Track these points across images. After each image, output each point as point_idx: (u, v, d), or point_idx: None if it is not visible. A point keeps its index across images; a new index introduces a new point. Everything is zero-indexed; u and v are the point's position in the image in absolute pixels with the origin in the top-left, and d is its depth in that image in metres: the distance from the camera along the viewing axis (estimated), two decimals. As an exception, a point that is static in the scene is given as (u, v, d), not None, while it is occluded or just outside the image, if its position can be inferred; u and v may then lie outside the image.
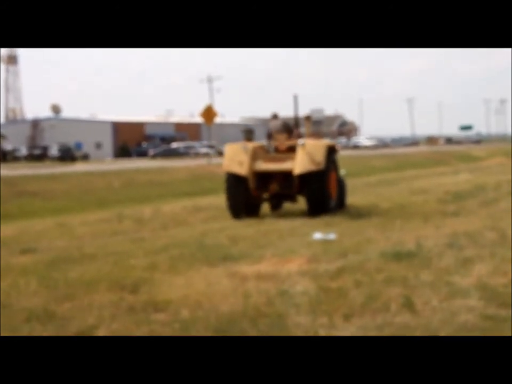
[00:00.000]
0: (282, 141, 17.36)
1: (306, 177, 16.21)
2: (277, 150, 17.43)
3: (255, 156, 16.70)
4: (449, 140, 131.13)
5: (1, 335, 6.26)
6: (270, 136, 17.72)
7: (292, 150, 16.99)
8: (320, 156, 16.12)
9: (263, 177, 16.79)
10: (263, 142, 18.25)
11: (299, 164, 16.15)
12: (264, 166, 16.69)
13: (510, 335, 5.91)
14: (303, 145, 16.25)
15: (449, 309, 6.76)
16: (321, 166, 16.10)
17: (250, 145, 17.07)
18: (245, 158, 16.46)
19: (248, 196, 16.66)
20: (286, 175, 16.57)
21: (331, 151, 16.95)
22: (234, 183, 16.61)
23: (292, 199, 17.27)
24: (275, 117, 18.09)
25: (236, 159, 16.52)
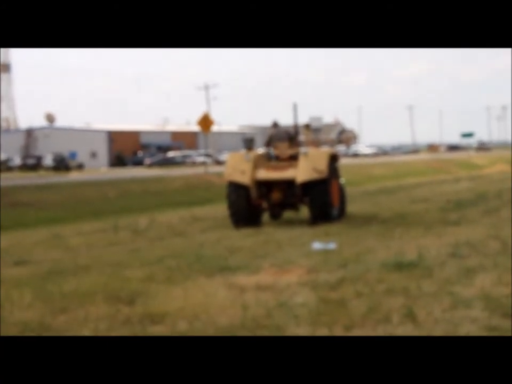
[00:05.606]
0: (284, 150, 17.25)
1: (309, 186, 16.15)
2: (278, 158, 17.31)
3: (256, 164, 16.59)
4: (453, 147, 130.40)
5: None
6: (269, 143, 17.59)
7: (293, 158, 16.89)
8: (322, 164, 16.07)
9: (265, 186, 16.68)
10: (263, 150, 18.10)
11: (302, 172, 16.08)
12: (266, 174, 16.59)
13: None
14: (305, 153, 16.17)
15: (452, 320, 6.63)
16: (324, 174, 16.06)
17: (252, 154, 16.95)
18: (247, 167, 16.37)
19: (250, 204, 16.55)
20: (288, 184, 16.50)
21: (333, 159, 16.88)
22: (236, 192, 16.51)
23: (294, 207, 17.18)
24: (275, 125, 17.97)
25: (238, 168, 16.42)
